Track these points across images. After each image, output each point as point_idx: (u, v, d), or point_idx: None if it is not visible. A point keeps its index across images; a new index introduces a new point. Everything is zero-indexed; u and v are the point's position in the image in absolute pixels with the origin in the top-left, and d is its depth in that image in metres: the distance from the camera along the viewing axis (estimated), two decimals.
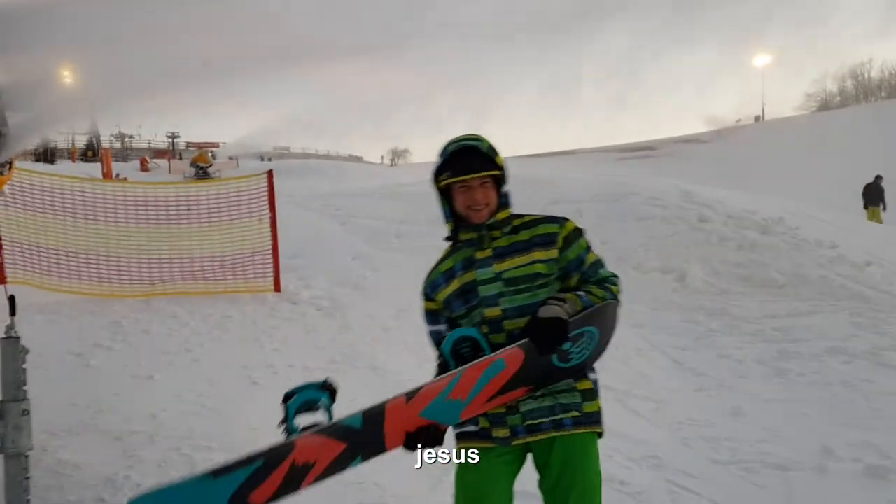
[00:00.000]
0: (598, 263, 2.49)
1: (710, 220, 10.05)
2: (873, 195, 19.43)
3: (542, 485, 2.45)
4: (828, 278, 8.22)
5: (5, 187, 3.57)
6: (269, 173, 7.64)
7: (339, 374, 5.93)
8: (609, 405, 5.32)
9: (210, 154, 33.52)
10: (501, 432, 2.44)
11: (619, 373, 6.09)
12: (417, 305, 8.07)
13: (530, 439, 2.41)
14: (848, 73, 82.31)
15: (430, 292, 2.59)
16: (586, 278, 2.45)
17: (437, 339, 2.57)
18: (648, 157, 50.28)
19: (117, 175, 29.94)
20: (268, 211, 7.56)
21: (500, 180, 2.44)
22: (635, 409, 5.35)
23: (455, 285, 2.50)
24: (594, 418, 2.50)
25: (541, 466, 2.45)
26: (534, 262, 2.41)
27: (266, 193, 7.60)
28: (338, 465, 2.28)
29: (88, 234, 7.25)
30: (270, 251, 7.54)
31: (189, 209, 7.60)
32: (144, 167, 37.04)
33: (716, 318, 7.50)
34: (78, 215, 7.21)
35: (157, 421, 4.66)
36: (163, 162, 39.33)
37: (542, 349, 2.28)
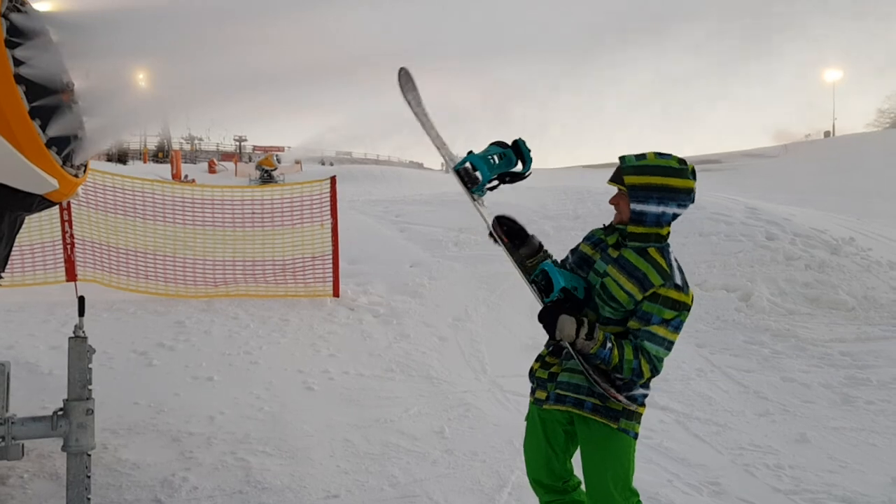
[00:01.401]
0: (656, 336, 2.64)
1: (777, 238, 9.74)
2: None
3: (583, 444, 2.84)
4: None
5: (79, 189, 3.67)
6: (333, 179, 7.74)
7: (395, 384, 5.99)
8: (669, 427, 5.24)
9: (275, 158, 34.20)
10: (540, 394, 2.87)
11: (679, 394, 5.95)
12: (474, 315, 8.06)
13: (557, 408, 2.79)
14: None
15: (589, 234, 2.94)
16: (636, 335, 2.66)
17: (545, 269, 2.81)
18: (714, 170, 49.13)
19: (186, 176, 30.86)
20: (329, 217, 7.66)
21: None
22: (696, 433, 5.20)
23: (588, 249, 2.88)
24: (612, 414, 2.72)
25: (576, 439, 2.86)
26: (625, 290, 2.69)
27: (329, 199, 7.70)
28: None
29: (156, 235, 7.46)
30: (331, 256, 7.63)
31: (253, 213, 7.74)
32: (212, 169, 38.07)
33: (781, 339, 7.25)
34: (147, 216, 7.43)
35: (215, 423, 4.75)
36: (230, 164, 40.33)
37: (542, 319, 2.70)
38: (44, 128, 3.10)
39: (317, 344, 6.49)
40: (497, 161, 3.00)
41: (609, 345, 2.60)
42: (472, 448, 4.81)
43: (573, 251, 2.95)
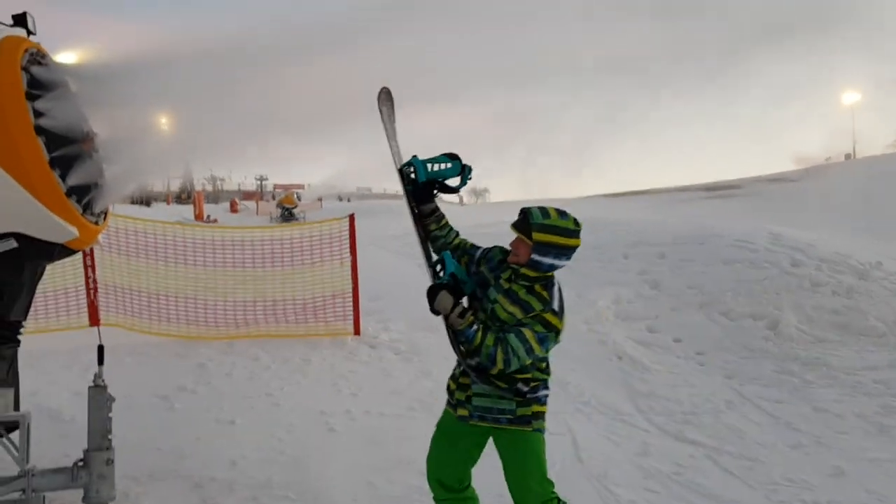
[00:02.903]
0: (521, 333, 3.09)
1: (803, 265, 9.58)
2: None
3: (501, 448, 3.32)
4: None
5: (100, 236, 3.70)
6: (351, 217, 7.76)
7: (417, 422, 5.90)
8: (699, 462, 5.12)
9: (296, 195, 34.53)
10: (462, 412, 3.33)
11: (709, 427, 5.83)
12: None
13: (480, 424, 3.28)
14: None
15: (490, 254, 3.40)
16: (505, 329, 3.14)
17: (471, 249, 3.48)
18: (735, 195, 48.79)
19: (208, 216, 31.21)
20: (349, 254, 7.66)
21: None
22: (727, 468, 5.07)
23: (487, 272, 3.34)
24: (525, 420, 3.24)
25: (496, 445, 3.31)
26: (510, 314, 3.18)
27: (347, 236, 7.71)
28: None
29: (178, 277, 7.51)
30: (351, 294, 7.62)
31: (273, 252, 7.77)
32: (234, 209, 38.52)
33: (812, 368, 7.09)
34: (168, 258, 7.48)
35: (237, 468, 4.70)
36: (251, 203, 40.77)
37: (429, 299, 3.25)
38: (64, 177, 3.13)
39: (338, 383, 6.45)
40: (437, 168, 3.45)
41: (475, 327, 3.13)
42: (499, 490, 4.71)
43: (482, 257, 3.40)
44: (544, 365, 3.29)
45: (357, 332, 7.58)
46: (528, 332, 3.08)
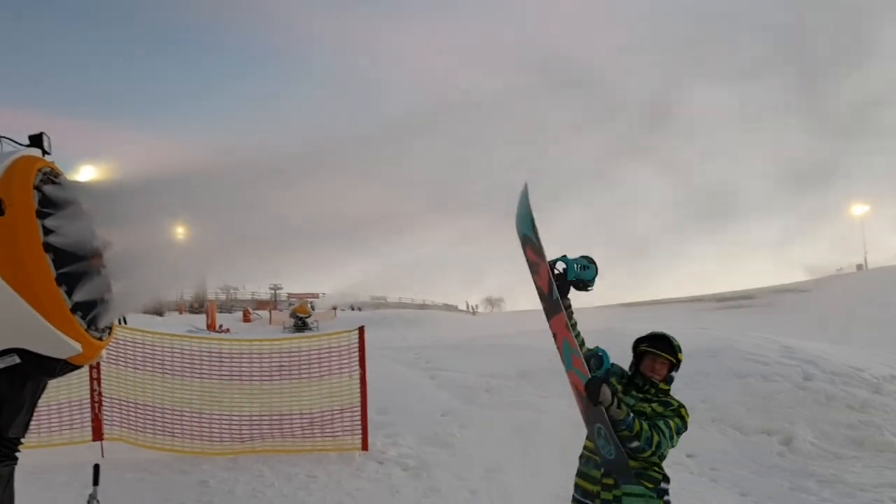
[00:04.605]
0: (668, 423, 3.56)
1: (815, 378, 9.48)
2: None
3: None
4: None
5: (103, 351, 3.73)
6: (361, 330, 7.80)
7: None
8: None
9: (309, 305, 34.68)
10: None
11: None
12: (507, 465, 7.85)
13: None
14: None
15: (613, 369, 3.82)
16: (653, 419, 3.58)
17: (601, 353, 3.70)
18: (747, 306, 48.59)
19: (221, 326, 31.30)
20: (358, 367, 7.66)
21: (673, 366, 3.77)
22: None
23: (617, 384, 3.77)
24: None
25: None
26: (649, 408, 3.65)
27: (357, 349, 7.73)
28: (539, 292, 3.89)
29: (184, 390, 7.50)
30: (359, 408, 7.57)
31: (281, 365, 7.77)
32: (247, 318, 38.62)
33: (828, 485, 6.89)
34: (175, 371, 7.50)
35: None
36: (264, 313, 40.90)
37: (588, 396, 3.48)
38: (70, 293, 3.21)
39: (344, 501, 6.32)
40: (581, 269, 3.82)
41: (632, 415, 3.50)
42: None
43: (603, 359, 3.66)
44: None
45: (365, 447, 7.48)
46: (672, 423, 3.57)
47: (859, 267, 66.05)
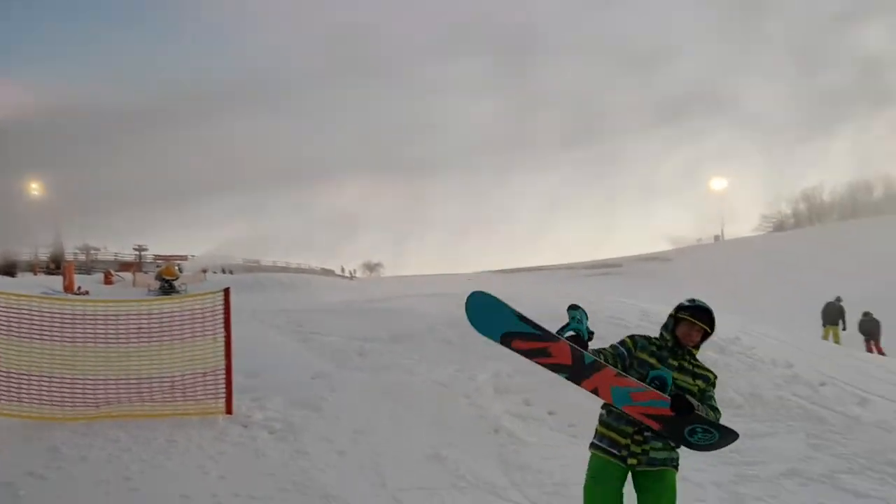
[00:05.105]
0: (714, 398, 4.23)
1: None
2: (832, 315, 19.80)
3: (642, 499, 4.17)
4: (784, 398, 8.20)
5: None
6: (226, 291, 7.57)
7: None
8: None
9: (177, 267, 33.28)
10: (632, 461, 4.14)
11: (576, 498, 5.80)
12: (376, 426, 7.84)
13: (647, 469, 4.14)
14: (801, 196, 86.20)
15: (637, 343, 4.30)
16: (703, 401, 4.13)
17: (616, 350, 4.26)
18: (615, 273, 51.05)
19: (79, 288, 29.54)
20: (223, 330, 7.43)
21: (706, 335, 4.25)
22: None
23: (651, 359, 4.19)
24: (675, 464, 4.24)
25: (642, 487, 4.17)
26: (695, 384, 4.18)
27: (222, 311, 7.49)
28: (556, 368, 4.08)
29: (32, 354, 7.03)
30: (223, 371, 7.36)
31: (140, 328, 7.44)
32: (108, 280, 36.60)
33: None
34: (23, 334, 7.02)
35: None
36: (128, 275, 38.91)
37: (678, 412, 3.93)
38: None
39: (205, 465, 6.17)
40: (581, 321, 4.18)
41: (704, 407, 4.05)
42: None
43: (631, 349, 4.25)
44: None
45: (229, 410, 7.29)
46: (714, 396, 4.23)
47: (717, 238, 70.75)
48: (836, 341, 17.78)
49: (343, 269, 61.96)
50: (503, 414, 8.08)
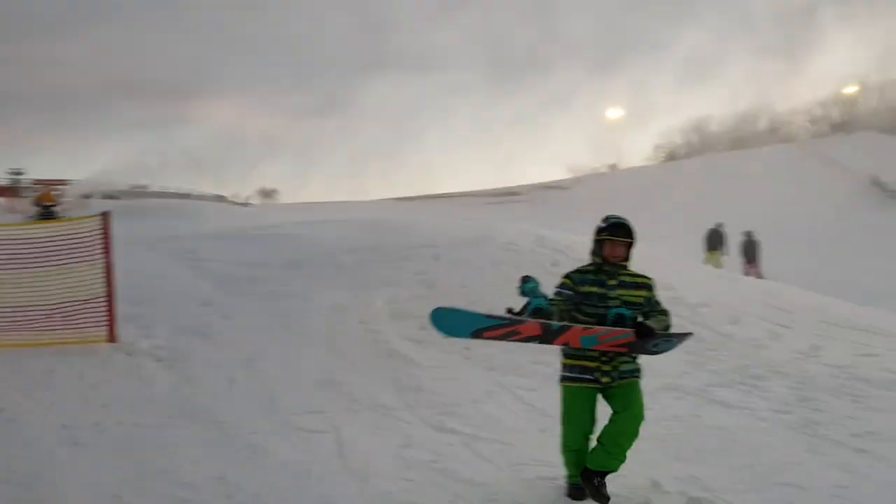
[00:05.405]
0: (660, 302, 4.49)
1: (561, 265, 10.32)
2: (715, 241, 20.86)
3: (617, 408, 4.38)
4: None
5: None
6: (104, 215, 7.20)
7: (176, 431, 5.64)
8: (456, 449, 5.37)
9: (57, 192, 31.36)
10: (606, 379, 4.38)
11: (468, 417, 6.12)
12: (268, 353, 7.75)
13: (620, 383, 4.39)
14: (691, 126, 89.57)
15: (575, 280, 4.46)
16: (653, 309, 4.40)
17: (563, 295, 4.44)
18: (512, 202, 51.91)
19: None
20: (103, 255, 7.10)
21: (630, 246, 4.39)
22: (481, 453, 5.34)
23: (594, 288, 4.38)
24: (640, 374, 4.52)
25: (615, 399, 4.40)
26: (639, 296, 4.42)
27: (102, 236, 7.14)
28: (528, 339, 4.43)
29: None
30: (105, 298, 7.07)
31: (15, 254, 7.02)
32: None
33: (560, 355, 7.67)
34: None
35: None
36: (2, 200, 36.41)
37: (642, 338, 4.26)
38: None
39: (87, 394, 5.97)
40: (535, 291, 4.41)
41: (661, 321, 4.34)
42: (256, 491, 4.64)
43: (574, 287, 4.44)
44: None
45: (112, 339, 7.05)
46: (659, 299, 4.48)
47: (612, 167, 72.84)
48: (718, 266, 18.76)
49: (237, 197, 60.28)
50: (398, 338, 8.15)
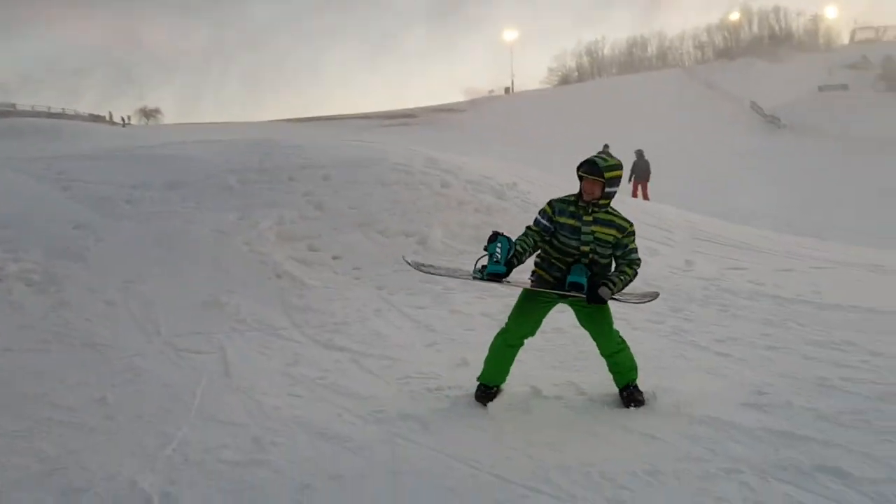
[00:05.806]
0: (634, 250, 4.52)
1: (451, 186, 10.45)
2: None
3: (591, 333, 4.68)
4: None
5: None
6: None
7: (50, 355, 5.45)
8: (344, 366, 5.43)
9: None
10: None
11: (356, 334, 6.18)
12: (148, 276, 7.52)
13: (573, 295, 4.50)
14: (584, 50, 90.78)
15: (555, 209, 4.51)
16: (624, 256, 4.50)
17: (540, 225, 4.57)
18: (408, 124, 51.51)
19: None
20: None
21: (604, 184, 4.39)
22: (369, 369, 5.42)
23: (570, 220, 4.46)
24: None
25: (580, 315, 4.66)
26: (610, 234, 4.46)
27: None
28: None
29: None
30: None
31: None
32: None
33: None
34: None
35: None
36: None
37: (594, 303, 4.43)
38: None
39: None
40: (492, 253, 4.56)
41: (623, 279, 4.45)
42: (138, 412, 4.56)
43: (551, 217, 4.51)
44: None
45: None
46: (633, 244, 4.50)
47: (507, 90, 73.16)
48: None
49: (110, 116, 56.80)
50: (286, 259, 8.07)
